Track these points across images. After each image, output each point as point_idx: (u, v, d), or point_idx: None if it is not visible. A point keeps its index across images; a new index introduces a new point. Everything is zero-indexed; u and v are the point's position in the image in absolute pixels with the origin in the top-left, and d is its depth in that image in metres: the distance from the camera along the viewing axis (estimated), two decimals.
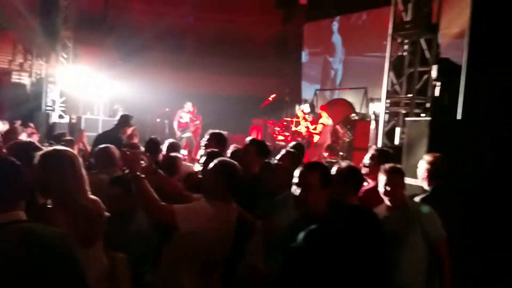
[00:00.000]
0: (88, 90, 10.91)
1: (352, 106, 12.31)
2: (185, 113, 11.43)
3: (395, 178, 3.07)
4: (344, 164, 3.50)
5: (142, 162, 2.58)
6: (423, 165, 3.69)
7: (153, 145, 4.73)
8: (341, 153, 10.74)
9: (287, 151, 4.03)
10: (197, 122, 11.48)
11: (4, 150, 2.88)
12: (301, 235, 2.18)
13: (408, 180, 4.86)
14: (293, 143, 5.23)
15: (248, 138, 4.21)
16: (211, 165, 2.73)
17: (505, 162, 3.72)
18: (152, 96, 12.01)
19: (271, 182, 3.05)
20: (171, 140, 5.33)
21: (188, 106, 11.47)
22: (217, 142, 4.26)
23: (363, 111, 11.70)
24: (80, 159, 2.22)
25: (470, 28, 4.11)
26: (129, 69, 12.47)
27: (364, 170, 3.90)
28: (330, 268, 2.14)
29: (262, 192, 3.16)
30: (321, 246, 2.16)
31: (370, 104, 11.33)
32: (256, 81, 14.05)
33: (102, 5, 14.15)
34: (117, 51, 13.65)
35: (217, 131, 4.62)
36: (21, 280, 1.46)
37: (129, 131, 5.83)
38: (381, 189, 3.11)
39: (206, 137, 4.44)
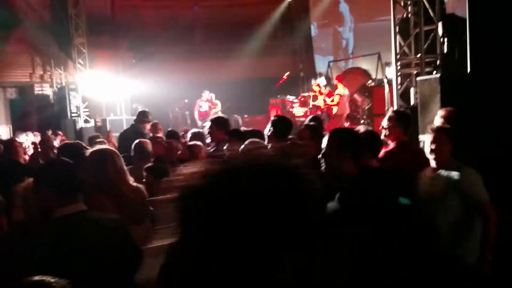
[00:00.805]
0: (108, 92, 11.26)
1: (367, 73, 12.26)
2: (204, 102, 11.67)
3: (440, 136, 3.06)
4: (362, 129, 3.68)
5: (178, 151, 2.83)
6: (438, 121, 3.77)
7: (172, 136, 4.98)
8: (362, 121, 10.79)
9: (305, 125, 4.19)
10: (217, 109, 11.71)
11: (55, 151, 3.25)
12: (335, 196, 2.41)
13: (424, 137, 4.98)
14: (310, 117, 5.36)
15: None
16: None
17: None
18: (170, 90, 12.26)
19: None
20: (194, 129, 5.56)
21: (206, 94, 11.69)
22: (218, 128, 4.44)
23: (380, 76, 11.65)
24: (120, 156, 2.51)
25: None
26: (144, 67, 12.74)
27: (383, 133, 4.04)
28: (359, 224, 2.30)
29: None
30: (350, 205, 2.37)
31: (386, 68, 11.27)
32: (268, 61, 14.09)
33: (109, 7, 14.39)
34: (130, 50, 13.94)
35: (217, 116, 4.87)
36: (91, 257, 1.76)
37: (149, 126, 6.11)
38: (426, 148, 3.14)
39: (208, 124, 4.65)
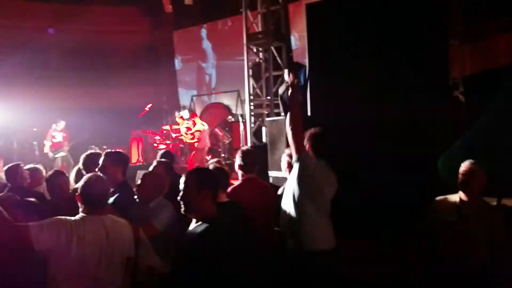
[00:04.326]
0: None
1: (228, 109, 12.83)
2: (58, 132, 10.85)
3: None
4: (211, 166, 3.88)
5: None
6: (284, 158, 4.15)
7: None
8: (222, 155, 11.16)
9: (158, 162, 4.20)
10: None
11: None
12: (192, 235, 2.43)
13: (273, 173, 5.40)
14: (162, 152, 5.23)
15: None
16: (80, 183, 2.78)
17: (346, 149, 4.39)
18: (17, 116, 11.12)
19: (141, 192, 3.29)
20: (34, 165, 5.14)
21: (61, 124, 10.90)
22: (114, 163, 3.79)
23: (239, 112, 12.27)
24: None
25: (308, 31, 4.71)
26: None
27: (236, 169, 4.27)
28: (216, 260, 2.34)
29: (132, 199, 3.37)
30: (208, 243, 2.38)
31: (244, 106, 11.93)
32: (131, 91, 13.79)
33: None
34: None
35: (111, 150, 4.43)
36: None
37: None
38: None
39: (102, 158, 4.24)
